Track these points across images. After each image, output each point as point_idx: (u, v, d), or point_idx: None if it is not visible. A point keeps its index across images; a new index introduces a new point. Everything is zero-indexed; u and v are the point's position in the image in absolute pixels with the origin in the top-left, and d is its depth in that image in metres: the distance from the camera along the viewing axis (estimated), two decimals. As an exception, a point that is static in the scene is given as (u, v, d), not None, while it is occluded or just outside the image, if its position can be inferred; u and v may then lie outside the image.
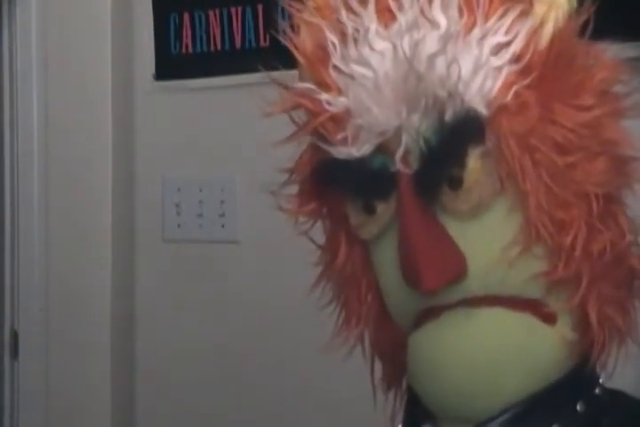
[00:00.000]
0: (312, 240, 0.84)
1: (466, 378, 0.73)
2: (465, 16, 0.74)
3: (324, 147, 0.76)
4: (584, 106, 0.74)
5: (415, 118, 0.73)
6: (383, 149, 0.74)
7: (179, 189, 2.40)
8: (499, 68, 0.73)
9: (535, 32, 0.75)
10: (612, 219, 0.76)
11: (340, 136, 0.75)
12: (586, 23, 0.76)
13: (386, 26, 0.75)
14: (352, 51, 0.75)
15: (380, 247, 0.78)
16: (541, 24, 0.75)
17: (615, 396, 0.81)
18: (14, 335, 2.38)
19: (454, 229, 0.74)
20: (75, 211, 2.44)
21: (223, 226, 2.34)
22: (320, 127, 0.76)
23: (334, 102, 0.75)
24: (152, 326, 2.44)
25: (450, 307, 0.74)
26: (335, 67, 0.76)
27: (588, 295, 0.75)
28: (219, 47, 2.35)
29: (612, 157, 0.75)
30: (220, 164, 2.34)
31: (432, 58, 0.72)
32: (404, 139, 0.73)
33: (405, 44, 0.73)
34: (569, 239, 0.73)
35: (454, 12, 0.74)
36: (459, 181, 0.73)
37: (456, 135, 0.72)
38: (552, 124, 0.73)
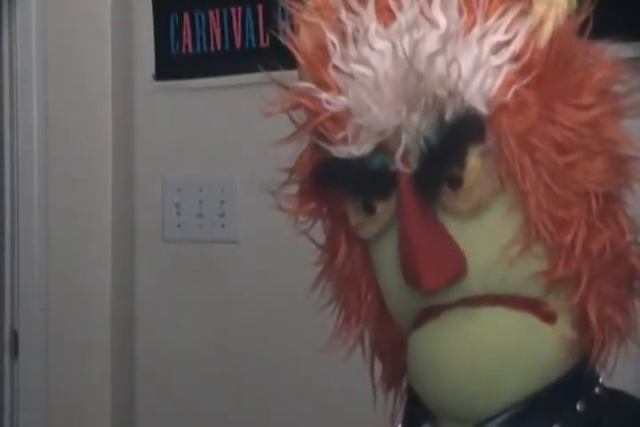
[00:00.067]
0: (312, 240, 0.84)
1: (466, 378, 0.73)
2: (465, 15, 0.74)
3: (324, 146, 0.76)
4: (584, 105, 0.74)
5: (415, 118, 0.73)
6: (383, 149, 0.74)
7: (179, 189, 2.40)
8: (498, 67, 0.73)
9: (535, 31, 0.75)
10: (612, 218, 0.76)
11: (339, 135, 0.75)
12: (585, 22, 0.76)
13: (385, 25, 0.75)
14: (352, 50, 0.75)
15: (379, 247, 0.78)
16: (541, 23, 0.75)
17: (615, 396, 0.81)
18: (14, 335, 2.38)
19: (454, 228, 0.74)
20: (75, 211, 2.44)
21: (223, 226, 2.34)
22: (320, 127, 0.76)
23: (334, 102, 0.75)
24: (152, 326, 2.44)
25: (450, 306, 0.74)
26: (335, 66, 0.76)
27: (588, 294, 0.75)
28: (219, 47, 2.35)
29: (612, 157, 0.75)
30: (219, 164, 2.34)
31: (432, 57, 0.72)
32: (404, 138, 0.73)
33: (405, 43, 0.73)
34: (569, 238, 0.73)
35: (454, 12, 0.74)
36: (459, 180, 0.73)
37: (456, 134, 0.72)
38: (552, 124, 0.73)
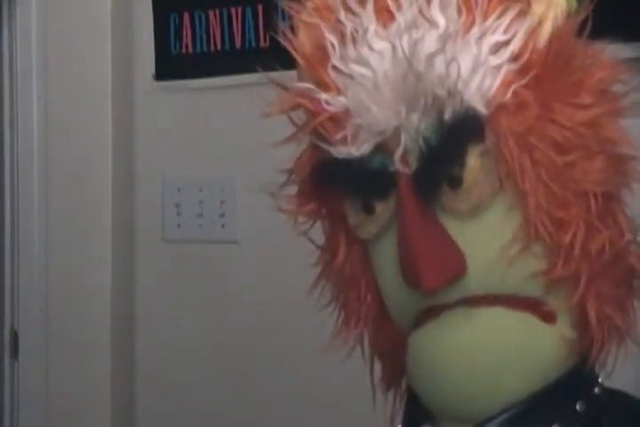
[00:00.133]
0: (311, 241, 0.84)
1: (465, 378, 0.73)
2: (463, 15, 0.74)
3: (324, 146, 0.76)
4: (583, 105, 0.74)
5: (414, 118, 0.73)
6: (382, 149, 0.74)
7: (179, 189, 2.40)
8: (497, 67, 0.74)
9: (534, 31, 0.75)
10: (611, 217, 0.76)
11: (339, 136, 0.75)
12: (584, 22, 0.76)
13: (385, 26, 0.75)
14: (351, 51, 0.75)
15: (379, 247, 0.78)
16: (540, 23, 0.75)
17: (615, 396, 0.81)
18: (14, 335, 2.38)
19: (454, 228, 0.74)
20: (75, 211, 2.44)
21: (223, 226, 2.34)
22: (319, 127, 0.76)
23: (333, 102, 0.75)
24: (152, 326, 2.44)
25: (449, 306, 0.74)
26: (334, 67, 0.76)
27: (587, 294, 0.75)
28: (219, 47, 2.35)
29: (611, 156, 0.75)
30: (219, 164, 2.34)
31: (431, 57, 0.72)
32: (404, 138, 0.73)
33: (404, 43, 0.73)
34: (568, 238, 0.73)
35: (453, 12, 0.74)
36: (458, 180, 0.73)
37: (455, 134, 0.72)
38: (551, 123, 0.73)
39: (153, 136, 2.45)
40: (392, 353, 0.82)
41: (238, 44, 2.32)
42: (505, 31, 0.74)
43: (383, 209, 0.76)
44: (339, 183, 0.76)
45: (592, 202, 0.74)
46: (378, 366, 0.85)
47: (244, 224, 2.31)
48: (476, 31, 0.74)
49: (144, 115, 2.46)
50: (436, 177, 0.73)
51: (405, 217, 0.73)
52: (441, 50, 0.72)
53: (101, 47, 2.47)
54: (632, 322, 0.79)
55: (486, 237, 0.74)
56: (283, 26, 0.80)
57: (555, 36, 0.75)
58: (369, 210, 0.76)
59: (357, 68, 0.74)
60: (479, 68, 0.73)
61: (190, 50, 2.39)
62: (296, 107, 0.79)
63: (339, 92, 0.75)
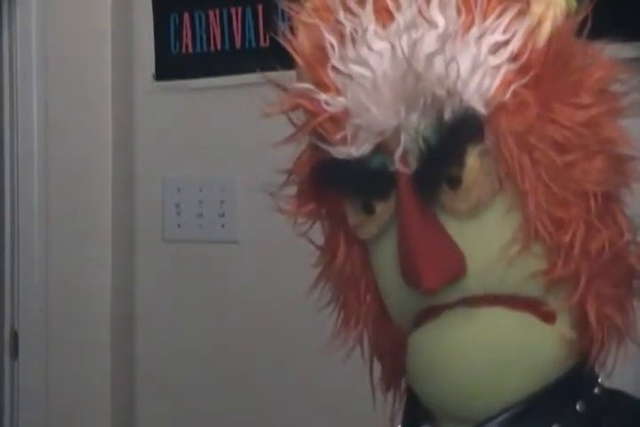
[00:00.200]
0: (311, 241, 0.84)
1: (465, 378, 0.73)
2: (463, 15, 0.74)
3: (323, 147, 0.76)
4: (582, 104, 0.74)
5: (414, 118, 0.73)
6: (382, 149, 0.74)
7: (179, 189, 2.40)
8: (497, 67, 0.74)
9: (533, 31, 0.75)
10: (611, 217, 0.76)
11: (339, 136, 0.75)
12: (584, 22, 0.76)
13: (384, 26, 0.75)
14: (350, 51, 0.75)
15: (379, 247, 0.78)
16: (539, 23, 0.75)
17: (615, 396, 0.81)
18: (14, 335, 2.38)
19: (453, 228, 0.74)
20: (75, 211, 2.44)
21: (223, 226, 2.34)
22: (319, 127, 0.76)
23: (333, 102, 0.75)
24: (152, 326, 2.44)
25: (449, 306, 0.74)
26: (334, 67, 0.76)
27: (587, 294, 0.75)
28: (219, 47, 2.35)
29: (611, 156, 0.75)
30: (220, 164, 2.34)
31: (430, 57, 0.72)
32: (403, 138, 0.73)
33: (404, 43, 0.73)
34: (568, 238, 0.73)
35: (452, 12, 0.74)
36: (458, 180, 0.73)
37: (455, 134, 0.72)
38: (550, 123, 0.73)
39: (153, 136, 2.45)
40: (392, 353, 0.82)
41: (238, 44, 2.32)
42: (504, 31, 0.74)
43: (383, 209, 0.76)
44: (338, 183, 0.76)
45: (592, 202, 0.74)
46: (377, 367, 0.85)
47: (244, 224, 2.31)
48: (475, 31, 0.74)
49: (144, 115, 2.46)
50: (435, 177, 0.73)
51: (405, 217, 0.73)
52: (440, 50, 0.72)
53: (101, 47, 2.47)
54: (632, 322, 0.79)
55: (486, 237, 0.74)
56: (282, 26, 0.80)
57: (554, 36, 0.75)
58: (369, 210, 0.76)
59: (357, 69, 0.74)
60: (478, 68, 0.73)
61: (190, 50, 2.39)
62: (296, 107, 0.79)
63: (338, 92, 0.75)
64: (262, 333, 2.26)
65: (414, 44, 0.72)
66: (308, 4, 0.80)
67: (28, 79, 2.36)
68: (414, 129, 0.73)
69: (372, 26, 0.75)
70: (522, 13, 0.75)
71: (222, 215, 2.34)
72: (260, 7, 2.27)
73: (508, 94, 0.73)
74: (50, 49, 2.38)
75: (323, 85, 0.76)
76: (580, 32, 0.76)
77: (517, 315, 0.74)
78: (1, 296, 2.39)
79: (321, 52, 0.77)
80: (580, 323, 0.76)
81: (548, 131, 0.73)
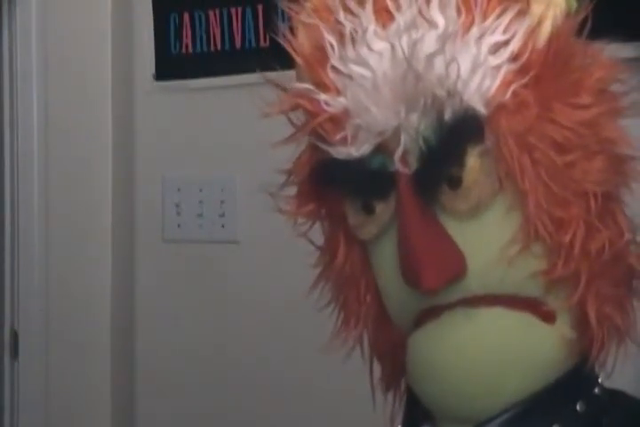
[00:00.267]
0: (311, 241, 0.84)
1: (466, 378, 0.73)
2: (463, 15, 0.74)
3: (323, 147, 0.76)
4: (582, 104, 0.74)
5: (414, 118, 0.73)
6: (382, 149, 0.74)
7: (179, 189, 2.40)
8: (497, 67, 0.73)
9: (533, 31, 0.75)
10: (611, 217, 0.76)
11: (338, 136, 0.75)
12: (584, 22, 0.76)
13: (384, 26, 0.75)
14: (350, 51, 0.75)
15: (379, 248, 0.78)
16: (539, 23, 0.75)
17: (615, 396, 0.81)
18: (14, 335, 2.38)
19: (453, 228, 0.74)
20: (75, 211, 2.44)
21: (223, 226, 2.35)
22: (319, 128, 0.76)
23: (333, 103, 0.75)
24: (152, 326, 2.44)
25: (450, 307, 0.74)
26: (333, 67, 0.76)
27: (587, 294, 0.75)
28: (219, 47, 2.35)
29: (610, 156, 0.75)
30: (220, 164, 2.34)
31: (430, 57, 0.72)
32: (403, 138, 0.73)
33: (404, 43, 0.73)
34: (568, 238, 0.73)
35: (452, 12, 0.74)
36: (458, 180, 0.73)
37: (455, 134, 0.72)
38: (550, 123, 0.73)
39: (153, 136, 2.45)
40: (391, 354, 0.82)
41: (238, 44, 2.32)
42: (504, 31, 0.74)
43: (383, 209, 0.75)
44: (338, 184, 0.76)
45: (592, 202, 0.74)
46: (377, 367, 0.85)
47: (244, 224, 2.31)
48: (475, 31, 0.74)
49: (144, 115, 2.46)
50: (435, 177, 0.73)
51: (405, 217, 0.73)
52: (440, 50, 0.72)
53: (101, 47, 2.48)
54: (632, 322, 0.79)
55: (486, 237, 0.74)
56: (282, 27, 0.80)
57: (554, 36, 0.75)
58: (369, 210, 0.76)
59: (357, 69, 0.74)
60: (479, 68, 0.73)
61: (190, 50, 2.39)
62: (295, 107, 0.79)
63: (338, 92, 0.75)
64: (262, 333, 2.26)
65: (414, 45, 0.72)
66: (308, 5, 0.80)
67: (28, 79, 2.37)
68: (414, 129, 0.73)
69: (371, 26, 0.75)
70: (522, 13, 0.75)
71: (222, 215, 2.34)
72: (259, 7, 2.27)
73: (508, 94, 0.73)
74: (50, 49, 2.38)
75: (322, 86, 0.76)
76: (579, 32, 0.76)
77: (517, 315, 0.74)
78: (1, 296, 2.40)
79: (321, 53, 0.77)
80: (580, 323, 0.76)
81: (548, 131, 0.73)
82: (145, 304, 2.46)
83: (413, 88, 0.72)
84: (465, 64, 0.72)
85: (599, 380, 0.81)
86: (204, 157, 2.38)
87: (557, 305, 0.75)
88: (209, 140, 2.36)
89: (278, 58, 0.84)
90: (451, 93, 0.72)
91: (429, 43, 0.72)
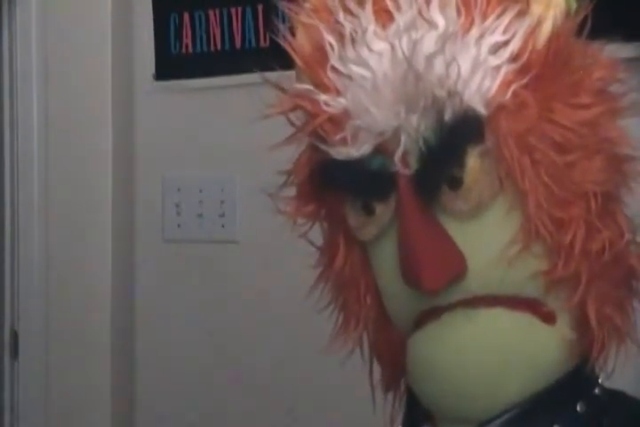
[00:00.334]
0: (311, 242, 0.84)
1: (466, 379, 0.73)
2: (463, 16, 0.74)
3: (323, 148, 0.76)
4: (582, 104, 0.74)
5: (414, 118, 0.73)
6: (382, 150, 0.74)
7: (179, 189, 2.40)
8: (497, 68, 0.73)
9: (533, 31, 0.74)
10: (611, 217, 0.76)
11: (338, 137, 0.75)
12: (583, 22, 0.76)
13: (384, 26, 0.75)
14: (350, 52, 0.75)
15: (379, 248, 0.78)
16: (539, 23, 0.75)
17: (615, 396, 0.81)
18: (14, 335, 2.38)
19: (454, 228, 0.74)
20: (75, 211, 2.44)
21: (223, 226, 2.35)
22: (319, 128, 0.76)
23: (333, 103, 0.75)
24: (152, 326, 2.44)
25: (450, 308, 0.74)
26: (333, 68, 0.76)
27: (587, 294, 0.75)
28: (219, 47, 2.35)
29: (610, 156, 0.75)
30: (219, 164, 2.35)
31: (430, 58, 0.72)
32: (403, 139, 0.73)
33: (404, 44, 0.73)
34: (568, 238, 0.73)
35: (452, 12, 0.74)
36: (458, 180, 0.73)
37: (455, 135, 0.72)
38: (550, 123, 0.73)
39: (153, 136, 2.45)
40: (391, 354, 0.82)
41: (238, 44, 2.32)
42: (504, 31, 0.74)
43: (383, 210, 0.75)
44: (338, 184, 0.76)
45: (592, 202, 0.74)
46: (377, 368, 0.85)
47: (244, 224, 2.31)
48: (475, 31, 0.74)
49: (144, 115, 2.46)
50: (435, 178, 0.73)
51: (405, 218, 0.73)
52: (440, 50, 0.72)
53: (101, 47, 2.47)
54: (632, 323, 0.79)
55: (486, 237, 0.74)
56: (282, 27, 0.80)
57: (554, 36, 0.75)
58: (369, 211, 0.76)
59: (356, 69, 0.74)
60: (479, 68, 0.73)
61: (190, 50, 2.39)
62: (295, 108, 0.79)
63: (338, 93, 0.75)
64: (262, 333, 2.26)
65: (414, 45, 0.72)
66: (307, 5, 0.80)
67: (28, 79, 2.36)
68: (414, 130, 0.73)
69: (371, 26, 0.75)
70: (522, 14, 0.75)
71: (222, 215, 2.34)
72: (259, 7, 2.27)
73: (509, 95, 0.73)
74: (50, 49, 2.38)
75: (322, 86, 0.76)
76: (579, 32, 0.76)
77: (518, 316, 0.74)
78: (1, 296, 2.39)
79: (320, 53, 0.77)
80: (581, 324, 0.76)
81: (548, 131, 0.73)
82: (145, 304, 2.46)
83: (413, 88, 0.72)
84: (465, 64, 0.72)
85: (599, 380, 0.81)
86: (203, 157, 2.38)
87: (558, 306, 0.75)
88: (209, 140, 2.36)
89: (278, 58, 0.84)
90: (451, 94, 0.72)
91: (429, 43, 0.72)
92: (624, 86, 0.77)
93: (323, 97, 0.75)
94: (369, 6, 0.76)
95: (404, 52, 0.72)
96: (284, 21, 0.83)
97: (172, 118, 2.43)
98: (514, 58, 0.74)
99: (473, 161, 0.72)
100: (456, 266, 0.73)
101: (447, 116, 0.72)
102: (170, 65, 2.42)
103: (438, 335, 0.75)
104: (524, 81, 0.73)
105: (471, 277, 0.73)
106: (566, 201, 0.73)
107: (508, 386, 0.74)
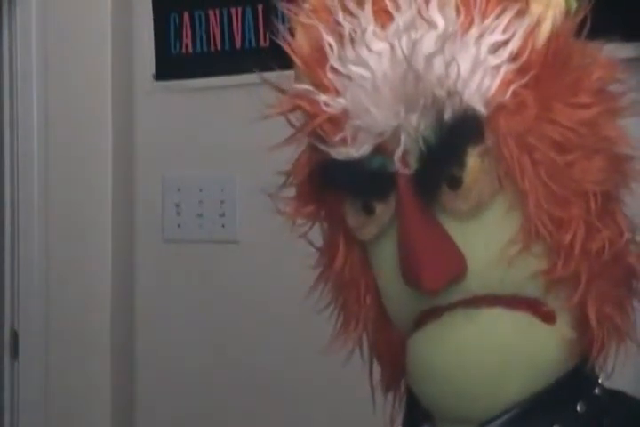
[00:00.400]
0: (311, 243, 0.84)
1: (466, 379, 0.73)
2: (462, 15, 0.74)
3: (323, 148, 0.76)
4: (581, 104, 0.74)
5: (414, 118, 0.73)
6: (382, 150, 0.74)
7: (179, 189, 2.40)
8: (496, 67, 0.73)
9: (532, 31, 0.75)
10: (611, 217, 0.76)
11: (338, 137, 0.75)
12: (583, 22, 0.76)
13: (383, 27, 0.75)
14: (349, 52, 0.75)
15: (379, 248, 0.78)
16: (538, 23, 0.75)
17: (615, 396, 0.81)
18: (14, 335, 2.38)
19: (454, 228, 0.74)
20: (75, 211, 2.43)
21: (223, 226, 2.35)
22: (318, 128, 0.76)
23: (332, 103, 0.75)
24: (152, 326, 2.44)
25: (450, 307, 0.74)
26: (332, 68, 0.76)
27: (587, 294, 0.75)
28: (219, 47, 2.35)
29: (610, 156, 0.75)
30: (220, 164, 2.35)
31: (430, 57, 0.72)
32: (403, 139, 0.73)
33: (403, 44, 0.73)
34: (568, 237, 0.73)
35: (451, 12, 0.74)
36: (458, 180, 0.73)
37: (455, 134, 0.72)
38: (550, 123, 0.73)
39: (153, 136, 2.45)
40: (391, 355, 0.82)
41: (238, 44, 2.32)
42: (504, 31, 0.74)
43: (383, 210, 0.75)
44: (338, 184, 0.76)
45: (592, 201, 0.74)
46: (377, 368, 0.85)
47: (244, 224, 2.31)
48: (474, 31, 0.74)
49: (144, 115, 2.46)
50: (435, 177, 0.73)
51: (405, 218, 0.73)
52: (440, 50, 0.72)
53: (101, 47, 2.47)
54: (632, 322, 0.79)
55: (486, 236, 0.74)
56: (281, 27, 0.80)
57: (553, 36, 0.75)
58: (369, 211, 0.76)
59: (356, 69, 0.74)
60: (478, 68, 0.73)
61: (190, 50, 2.39)
62: (295, 108, 0.79)
63: (337, 93, 0.75)
64: (262, 333, 2.26)
65: (414, 45, 0.72)
66: (307, 5, 0.80)
67: (28, 79, 2.36)
68: (414, 129, 0.73)
69: (370, 26, 0.75)
70: (521, 13, 0.75)
71: (222, 215, 2.34)
72: (259, 7, 2.27)
73: (508, 94, 0.73)
74: (50, 49, 2.38)
75: (322, 86, 0.76)
76: (579, 32, 0.76)
77: (518, 315, 0.74)
78: (1, 296, 2.39)
79: (320, 53, 0.77)
80: (581, 323, 0.76)
81: (548, 130, 0.73)
82: (145, 304, 2.46)
83: (413, 88, 0.72)
84: (464, 64, 0.72)
85: (599, 380, 0.81)
86: (204, 157, 2.38)
87: (557, 305, 0.75)
88: (209, 140, 2.36)
89: (278, 58, 0.84)
90: (450, 93, 0.72)
91: (429, 43, 0.72)
92: (623, 86, 0.77)
93: (322, 97, 0.75)
94: (368, 6, 0.76)
95: (403, 52, 0.72)
96: (283, 22, 0.83)
97: (172, 118, 2.43)
98: (513, 57, 0.74)
99: (473, 161, 0.72)
100: (456, 266, 0.73)
101: (447, 115, 0.72)
102: (170, 65, 2.42)
103: (438, 335, 0.75)
104: (524, 81, 0.73)
105: (471, 277, 0.73)
106: (566, 201, 0.73)
107: (508, 386, 0.74)
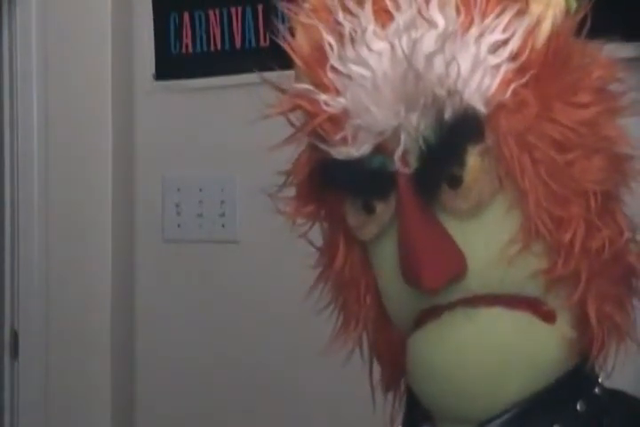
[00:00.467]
0: (311, 243, 0.84)
1: (466, 378, 0.73)
2: (462, 15, 0.74)
3: (323, 147, 0.76)
4: (581, 103, 0.74)
5: (414, 117, 0.73)
6: (382, 149, 0.74)
7: (179, 189, 2.40)
8: (497, 67, 0.73)
9: (532, 30, 0.75)
10: (611, 216, 0.76)
11: (338, 136, 0.75)
12: (583, 22, 0.76)
13: (383, 26, 0.75)
14: (349, 51, 0.75)
15: (379, 248, 0.78)
16: (538, 22, 0.75)
17: (615, 396, 0.81)
18: (14, 335, 2.38)
19: (454, 227, 0.74)
20: (75, 211, 2.43)
21: (223, 226, 2.35)
22: (318, 128, 0.76)
23: (332, 103, 0.75)
24: (152, 326, 2.44)
25: (450, 307, 0.74)
26: (333, 67, 0.76)
27: (587, 293, 0.75)
28: (219, 47, 2.35)
29: (610, 155, 0.75)
30: (220, 164, 2.35)
31: (430, 57, 0.72)
32: (403, 138, 0.73)
33: (403, 43, 0.73)
34: (568, 236, 0.73)
35: (451, 11, 0.74)
36: (458, 179, 0.73)
37: (455, 134, 0.72)
38: (550, 122, 0.73)
39: (153, 136, 2.45)
40: (391, 354, 0.82)
41: (238, 44, 2.32)
42: (504, 30, 0.74)
43: (383, 209, 0.75)
44: (338, 184, 0.76)
45: (591, 200, 0.74)
46: (377, 368, 0.85)
47: (244, 224, 2.31)
48: (474, 31, 0.74)
49: (144, 115, 2.46)
50: (435, 177, 0.73)
51: (405, 217, 0.73)
52: (440, 50, 0.72)
53: (101, 47, 2.47)
54: (632, 321, 0.79)
55: (486, 236, 0.74)
56: (281, 27, 0.80)
57: (553, 36, 0.75)
58: (369, 210, 0.76)
59: (356, 69, 0.74)
60: (478, 67, 0.73)
61: (190, 50, 2.39)
62: (295, 108, 0.79)
63: (337, 92, 0.75)
64: (262, 333, 2.26)
65: (414, 44, 0.72)
66: (307, 5, 0.80)
67: (28, 79, 2.36)
68: (414, 129, 0.73)
69: (371, 26, 0.75)
70: (521, 13, 0.75)
71: (222, 215, 2.34)
72: (259, 7, 2.27)
73: (508, 93, 0.73)
74: (50, 49, 2.38)
75: (322, 86, 0.76)
76: (579, 31, 0.76)
77: (518, 315, 0.74)
78: (1, 296, 2.39)
79: (320, 53, 0.77)
80: (581, 322, 0.76)
81: (548, 130, 0.73)
82: (145, 304, 2.46)
83: (413, 88, 0.72)
84: (465, 63, 0.72)
85: (599, 380, 0.81)
86: (204, 157, 2.38)
87: (558, 305, 0.75)
88: (209, 141, 2.36)
89: (278, 58, 0.84)
90: (451, 93, 0.72)
91: (429, 42, 0.72)
92: (623, 86, 0.77)
93: (322, 97, 0.75)
94: (368, 6, 0.76)
95: (403, 52, 0.72)
96: (283, 21, 0.83)
97: (172, 118, 2.43)
98: (513, 57, 0.74)
99: (473, 160, 0.72)
100: (456, 265, 0.73)
101: (447, 114, 0.72)
102: (170, 65, 2.42)
103: (438, 335, 0.75)
104: (524, 80, 0.73)
105: (471, 276, 0.73)
106: (566, 200, 0.73)
107: (508, 386, 0.74)
